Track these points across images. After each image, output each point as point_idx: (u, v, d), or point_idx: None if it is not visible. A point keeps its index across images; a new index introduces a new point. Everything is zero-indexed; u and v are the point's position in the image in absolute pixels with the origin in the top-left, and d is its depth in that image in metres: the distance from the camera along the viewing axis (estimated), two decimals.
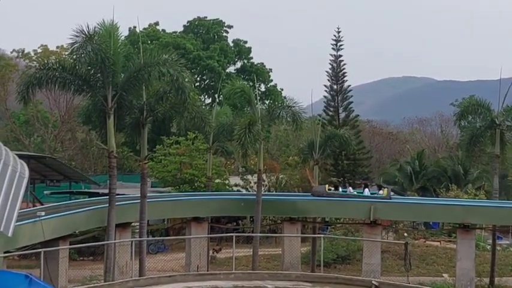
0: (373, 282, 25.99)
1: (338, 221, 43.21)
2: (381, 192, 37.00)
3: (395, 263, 38.24)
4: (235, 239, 28.88)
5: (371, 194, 36.28)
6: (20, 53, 65.91)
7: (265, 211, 34.83)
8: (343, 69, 55.72)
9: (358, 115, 58.73)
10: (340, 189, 37.33)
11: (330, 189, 36.33)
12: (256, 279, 26.58)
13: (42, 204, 38.23)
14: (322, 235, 34.04)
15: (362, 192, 36.45)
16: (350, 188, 38.07)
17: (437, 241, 45.17)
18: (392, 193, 53.41)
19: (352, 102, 56.50)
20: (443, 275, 37.20)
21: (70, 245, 29.86)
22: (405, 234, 44.71)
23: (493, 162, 37.33)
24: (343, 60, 55.63)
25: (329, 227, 45.23)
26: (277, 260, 36.94)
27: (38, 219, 26.93)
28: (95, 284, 26.68)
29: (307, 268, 34.57)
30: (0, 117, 66.94)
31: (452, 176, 59.09)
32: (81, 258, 38.77)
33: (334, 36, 55.57)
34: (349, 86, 56.82)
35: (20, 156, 24.37)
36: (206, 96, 70.11)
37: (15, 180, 22.20)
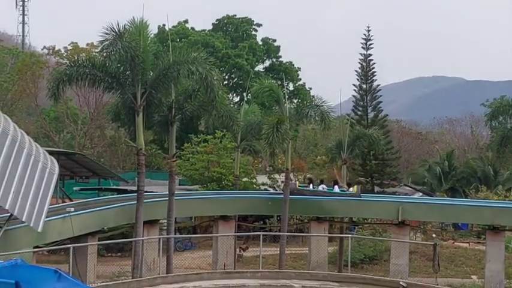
0: (400, 283, 25.92)
1: (365, 221, 42.98)
2: (351, 189, 37.08)
3: (423, 264, 37.96)
4: (262, 238, 28.90)
5: (341, 191, 36.46)
6: (51, 50, 66.62)
7: (292, 210, 34.75)
8: (373, 68, 55.35)
9: (387, 115, 58.32)
10: (311, 186, 37.36)
11: (299, 186, 36.75)
12: (283, 278, 26.62)
13: (72, 201, 38.59)
14: (349, 235, 33.91)
15: (332, 189, 36.58)
16: (323, 185, 38.14)
17: (466, 242, 44.79)
18: (420, 194, 53.43)
19: (381, 101, 56.07)
20: (472, 276, 36.89)
21: (98, 241, 30.11)
22: (434, 235, 44.37)
23: None
24: (372, 60, 55.32)
25: (356, 227, 45.04)
26: (304, 259, 36.88)
27: (67, 215, 27.19)
28: (123, 280, 26.92)
29: (334, 268, 34.45)
30: (31, 113, 67.62)
31: (482, 177, 58.50)
32: (109, 254, 39.03)
33: (364, 35, 55.28)
34: (379, 85, 56.40)
35: (50, 153, 24.66)
36: (234, 95, 70.19)
37: (45, 176, 22.46)
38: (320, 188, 36.96)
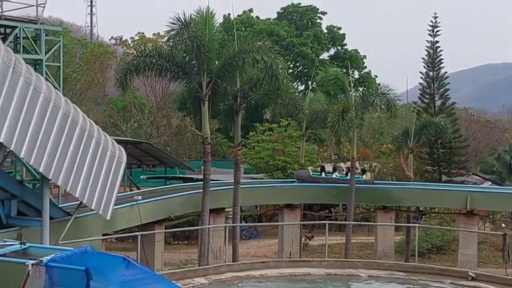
0: (469, 273, 25.40)
1: (433, 210, 42.34)
2: (364, 176, 37.11)
3: (492, 254, 37.20)
4: (327, 227, 28.79)
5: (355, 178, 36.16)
6: (118, 41, 67.55)
7: (358, 199, 34.54)
8: (440, 55, 54.28)
9: (454, 102, 57.16)
10: (323, 174, 37.63)
11: (314, 174, 37.10)
12: (349, 268, 26.43)
13: (139, 189, 39.17)
14: (416, 224, 33.50)
15: (345, 177, 36.62)
16: (336, 172, 38.22)
17: None
18: (489, 183, 52.22)
19: (448, 89, 54.99)
20: None
21: (165, 229, 30.51)
22: (503, 225, 43.36)
23: None
24: (439, 47, 54.27)
25: (423, 217, 44.41)
26: (370, 248, 36.60)
27: (135, 203, 27.63)
28: (190, 268, 27.18)
29: (401, 257, 34.10)
30: (99, 103, 68.83)
31: None
32: (176, 242, 39.51)
33: (431, 22, 54.29)
34: (446, 72, 55.26)
35: (118, 142, 25.02)
36: (299, 83, 69.94)
37: (113, 165, 22.82)
38: (334, 175, 37.01)
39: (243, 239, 37.00)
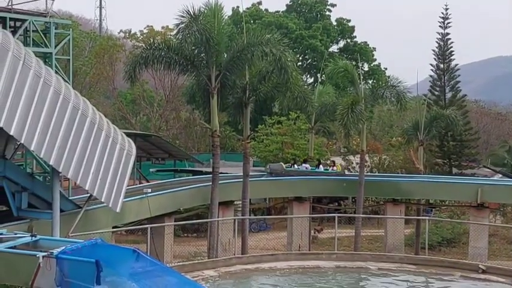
0: (480, 266, 25.39)
1: (443, 203, 42.19)
2: (334, 168, 37.89)
3: (503, 247, 37.06)
4: (337, 220, 28.76)
5: (324, 170, 37.44)
6: (127, 34, 67.60)
7: (368, 192, 34.44)
8: (451, 47, 54.08)
9: (465, 95, 56.91)
10: (295, 166, 38.22)
11: (287, 167, 37.54)
12: (358, 260, 26.46)
13: (148, 182, 39.23)
14: (427, 217, 33.40)
15: (315, 169, 37.43)
16: (307, 164, 38.49)
17: None
18: (500, 175, 52.03)
19: (459, 81, 54.76)
20: None
21: (174, 221, 30.56)
22: None
23: None
24: (450, 38, 54.07)
25: (433, 210, 44.27)
26: (380, 241, 36.52)
27: (144, 196, 27.69)
28: (200, 261, 27.23)
29: (410, 250, 34.01)
30: (108, 96, 68.91)
31: None
32: (185, 234, 39.53)
33: (442, 13, 54.10)
34: (457, 64, 55.07)
35: (127, 135, 25.06)
36: (308, 76, 69.84)
37: (123, 157, 22.86)
38: (303, 167, 37.49)
39: (252, 232, 36.98)
